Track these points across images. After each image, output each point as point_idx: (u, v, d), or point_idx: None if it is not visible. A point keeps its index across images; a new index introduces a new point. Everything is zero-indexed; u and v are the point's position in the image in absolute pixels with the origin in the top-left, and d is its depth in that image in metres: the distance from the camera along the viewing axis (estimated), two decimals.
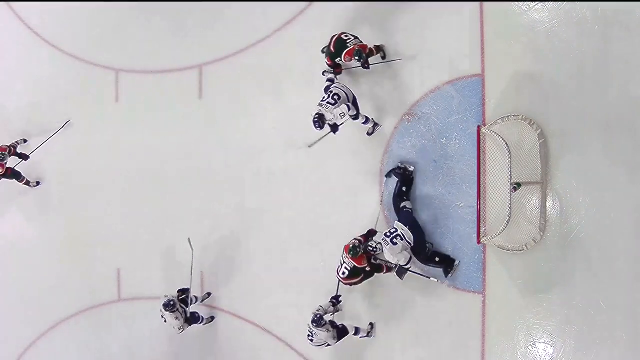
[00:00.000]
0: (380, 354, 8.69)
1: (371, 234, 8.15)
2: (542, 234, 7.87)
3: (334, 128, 8.11)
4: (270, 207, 9.08)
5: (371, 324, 8.55)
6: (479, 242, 7.74)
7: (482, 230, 7.69)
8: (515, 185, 7.38)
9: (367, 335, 8.49)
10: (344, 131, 8.64)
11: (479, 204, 7.62)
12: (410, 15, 8.35)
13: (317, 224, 8.85)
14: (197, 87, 9.38)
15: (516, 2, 7.96)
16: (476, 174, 7.74)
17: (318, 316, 7.90)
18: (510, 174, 7.28)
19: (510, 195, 7.30)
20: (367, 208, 8.65)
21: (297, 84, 8.94)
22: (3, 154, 9.37)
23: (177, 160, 9.56)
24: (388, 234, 7.74)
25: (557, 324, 7.91)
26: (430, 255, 8.13)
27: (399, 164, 8.37)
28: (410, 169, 8.33)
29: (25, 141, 9.91)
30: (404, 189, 8.28)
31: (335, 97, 7.83)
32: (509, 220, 7.27)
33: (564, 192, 7.79)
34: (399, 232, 7.74)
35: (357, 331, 8.37)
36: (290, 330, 9.08)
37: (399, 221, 7.96)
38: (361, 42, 8.10)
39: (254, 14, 9.09)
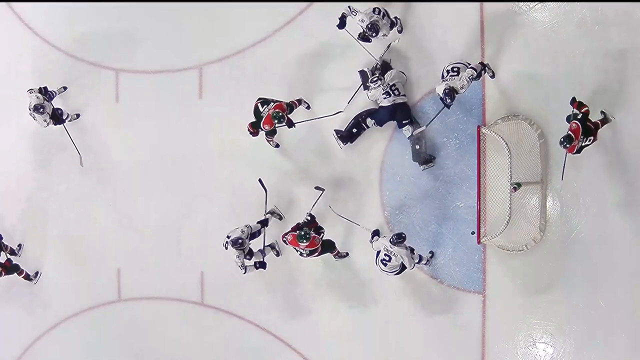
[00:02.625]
0: (380, 353, 8.69)
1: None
2: (542, 234, 7.88)
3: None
4: (270, 207, 9.06)
5: (431, 252, 8.31)
6: (479, 242, 7.75)
7: (482, 230, 7.70)
8: (515, 185, 7.38)
9: (426, 263, 8.23)
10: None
11: (479, 204, 7.63)
12: (409, 16, 8.34)
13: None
14: (197, 87, 9.37)
15: (516, 2, 7.97)
16: (476, 174, 7.74)
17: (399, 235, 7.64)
18: (510, 174, 7.28)
19: (510, 195, 7.30)
20: (367, 206, 8.65)
21: (297, 84, 8.93)
22: (281, 115, 7.96)
23: (176, 160, 9.55)
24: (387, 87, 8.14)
25: (557, 324, 7.92)
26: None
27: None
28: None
29: (308, 107, 8.68)
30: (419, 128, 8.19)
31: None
32: (509, 220, 7.27)
33: (564, 192, 7.80)
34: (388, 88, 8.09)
35: (420, 258, 8.08)
36: (290, 331, 9.08)
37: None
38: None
39: (254, 14, 9.08)
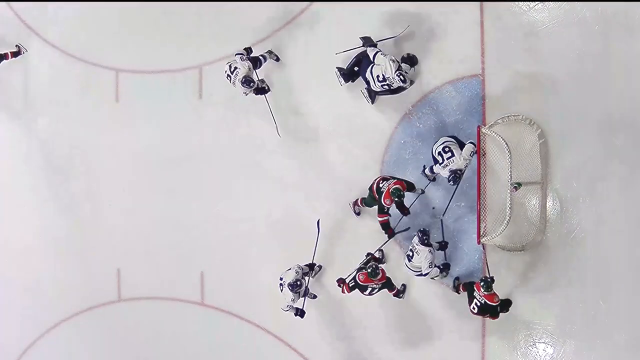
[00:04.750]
0: (380, 353, 8.69)
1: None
2: (542, 234, 7.88)
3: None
4: (270, 208, 9.08)
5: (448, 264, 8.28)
6: (479, 242, 7.74)
7: (482, 230, 7.69)
8: (515, 185, 7.38)
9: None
10: (344, 131, 8.68)
11: (479, 204, 7.62)
12: (410, 16, 8.34)
13: (317, 224, 8.83)
14: (197, 87, 9.38)
15: (516, 2, 7.97)
16: (476, 174, 7.73)
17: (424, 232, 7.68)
18: (511, 174, 7.28)
19: (511, 195, 7.30)
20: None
21: (297, 85, 8.93)
22: (401, 192, 7.72)
23: (176, 160, 9.55)
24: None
25: (557, 324, 7.93)
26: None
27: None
28: None
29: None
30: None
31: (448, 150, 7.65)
32: (509, 220, 7.26)
33: (564, 192, 7.80)
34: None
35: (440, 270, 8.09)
36: (290, 331, 9.07)
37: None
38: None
39: (254, 14, 9.08)
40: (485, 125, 7.91)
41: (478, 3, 8.08)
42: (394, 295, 8.28)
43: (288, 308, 8.25)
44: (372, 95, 8.35)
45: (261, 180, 9.12)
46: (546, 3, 7.84)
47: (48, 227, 10.16)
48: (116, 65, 9.76)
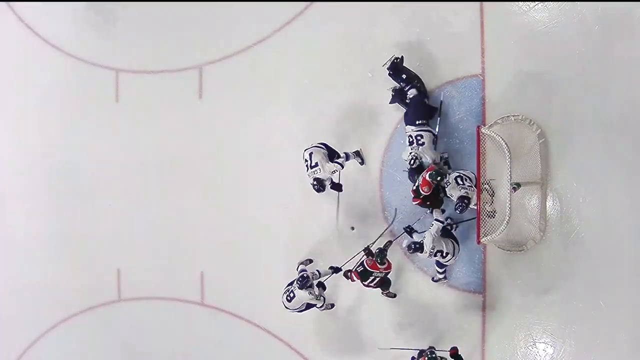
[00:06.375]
0: (380, 353, 8.69)
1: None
2: (542, 234, 7.88)
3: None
4: (270, 208, 9.08)
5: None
6: (479, 242, 7.73)
7: (482, 230, 7.69)
8: (515, 185, 7.37)
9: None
10: (344, 132, 8.68)
11: (479, 204, 7.61)
12: (410, 15, 8.34)
13: (317, 224, 8.84)
14: (197, 87, 9.39)
15: (516, 2, 7.97)
16: (476, 173, 7.73)
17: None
18: (510, 174, 7.28)
19: (510, 195, 7.29)
20: (367, 207, 8.65)
21: (297, 85, 8.94)
22: (438, 170, 7.59)
23: (176, 160, 9.56)
24: None
25: (557, 324, 7.93)
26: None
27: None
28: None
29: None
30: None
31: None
32: (508, 220, 7.26)
33: (564, 192, 7.80)
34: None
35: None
36: (290, 331, 9.08)
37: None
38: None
39: (254, 15, 9.09)
40: (485, 125, 7.90)
41: (478, 3, 8.08)
42: (387, 295, 8.30)
43: (324, 307, 8.22)
44: (397, 100, 8.23)
45: (261, 180, 9.13)
46: (546, 3, 7.84)
47: (48, 227, 10.16)
48: (116, 65, 9.77)
